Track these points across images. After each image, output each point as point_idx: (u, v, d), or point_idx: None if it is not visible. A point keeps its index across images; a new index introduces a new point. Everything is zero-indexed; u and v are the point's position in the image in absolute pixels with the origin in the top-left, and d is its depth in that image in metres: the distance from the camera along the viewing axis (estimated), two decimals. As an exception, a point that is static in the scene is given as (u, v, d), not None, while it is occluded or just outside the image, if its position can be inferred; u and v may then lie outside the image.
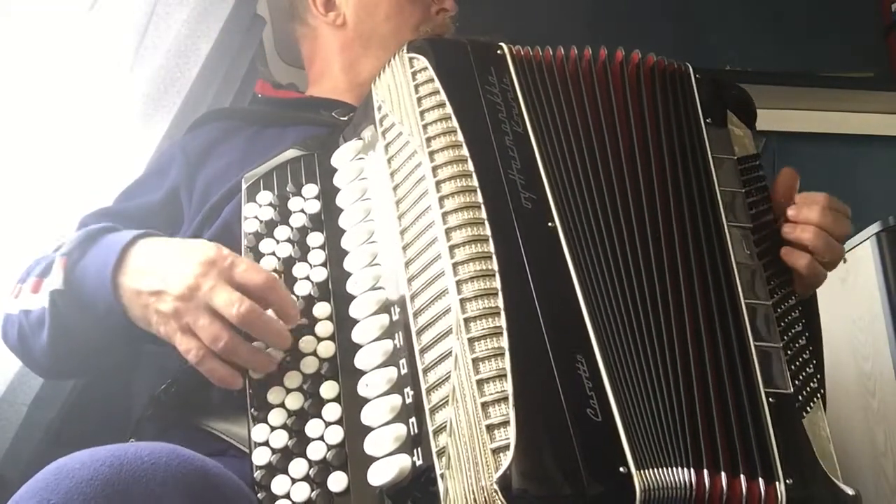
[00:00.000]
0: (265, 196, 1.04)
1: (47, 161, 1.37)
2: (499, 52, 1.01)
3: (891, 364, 1.70)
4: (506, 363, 0.80)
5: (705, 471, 0.82)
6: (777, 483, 0.83)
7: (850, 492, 0.86)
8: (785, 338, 0.94)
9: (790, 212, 1.02)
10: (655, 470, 0.80)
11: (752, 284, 0.95)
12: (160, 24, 1.49)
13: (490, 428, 0.78)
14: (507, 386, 0.79)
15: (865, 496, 1.69)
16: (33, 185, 1.36)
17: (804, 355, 0.94)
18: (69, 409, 1.41)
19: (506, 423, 0.77)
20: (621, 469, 0.78)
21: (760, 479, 0.82)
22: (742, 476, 0.83)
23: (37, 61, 1.36)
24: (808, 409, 0.90)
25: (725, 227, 0.97)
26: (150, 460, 0.77)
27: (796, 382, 0.91)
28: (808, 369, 0.94)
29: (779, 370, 0.90)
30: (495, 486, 0.75)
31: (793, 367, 0.92)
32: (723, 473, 0.82)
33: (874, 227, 1.74)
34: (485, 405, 0.79)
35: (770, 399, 0.88)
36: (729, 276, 0.94)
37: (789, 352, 0.93)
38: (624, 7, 2.43)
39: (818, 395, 0.93)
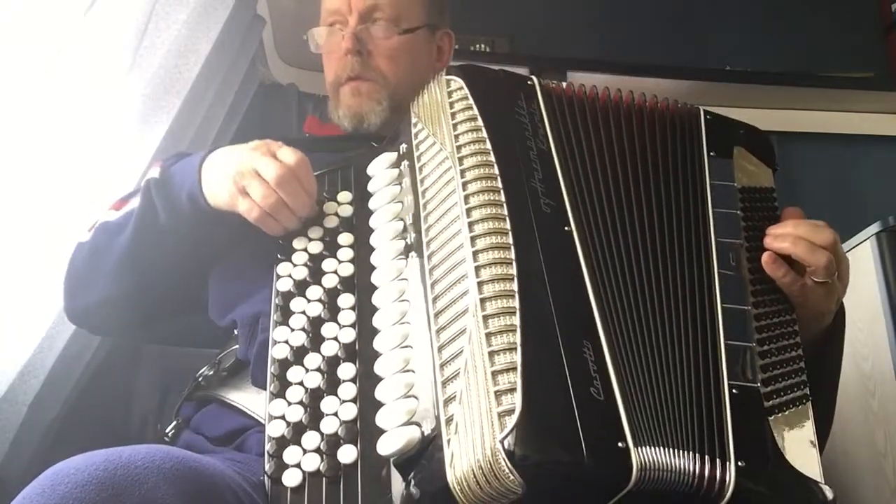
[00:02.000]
0: None
1: (47, 162, 1.37)
2: (529, 83, 1.10)
3: (891, 364, 1.70)
4: (517, 338, 0.85)
5: (706, 455, 0.88)
6: (728, 462, 0.88)
7: (829, 494, 0.90)
8: (768, 344, 1.00)
9: (768, 229, 1.09)
10: (653, 448, 0.85)
11: (734, 291, 1.02)
12: (160, 24, 1.49)
13: (498, 394, 0.82)
14: (517, 358, 0.84)
15: (865, 496, 1.70)
16: (33, 185, 1.36)
17: (791, 364, 1.01)
18: (69, 409, 1.41)
19: (513, 390, 0.82)
20: (620, 444, 0.82)
21: (717, 460, 0.88)
22: (707, 457, 0.88)
23: (36, 62, 1.36)
24: (785, 409, 0.96)
25: (713, 240, 1.05)
26: (143, 464, 0.79)
27: (776, 383, 0.97)
28: (793, 376, 1.00)
29: (747, 366, 0.97)
30: (499, 446, 0.79)
31: (774, 369, 0.99)
32: (699, 455, 0.88)
33: (874, 227, 1.74)
34: (494, 374, 0.83)
35: (733, 390, 0.94)
36: (710, 281, 1.02)
37: (771, 356, 1.00)
38: (625, 7, 2.43)
39: (803, 400, 0.98)
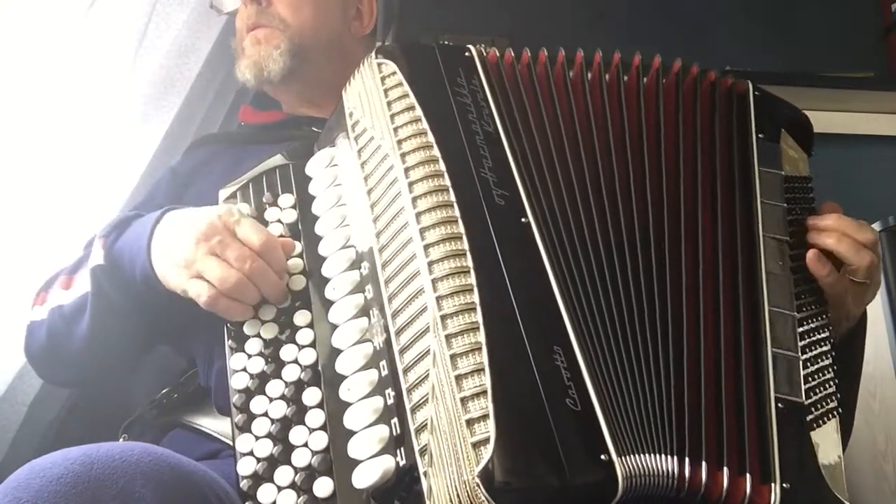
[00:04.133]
0: (242, 208, 1.03)
1: (48, 162, 1.37)
2: (466, 54, 1.01)
3: (891, 364, 1.70)
4: (483, 358, 0.80)
5: (686, 459, 0.83)
6: (773, 484, 0.84)
7: None
8: (808, 351, 0.95)
9: (810, 221, 1.03)
10: (637, 456, 0.81)
11: (780, 293, 0.96)
12: (160, 24, 1.49)
13: (470, 422, 0.78)
14: (486, 380, 0.79)
15: (865, 497, 1.70)
16: (34, 185, 1.36)
17: (825, 373, 0.96)
18: (69, 409, 1.42)
19: (485, 417, 0.77)
20: (602, 457, 0.78)
21: (748, 475, 0.84)
22: (726, 469, 0.84)
23: (36, 62, 1.36)
24: (820, 423, 0.91)
25: (760, 235, 0.98)
26: (121, 458, 0.78)
27: (813, 395, 0.92)
28: (826, 387, 0.95)
29: (793, 378, 0.92)
30: (477, 480, 0.75)
31: (811, 380, 0.93)
32: (704, 464, 0.83)
33: (874, 227, 1.74)
34: (464, 400, 0.79)
35: (779, 404, 0.89)
36: (755, 280, 0.95)
37: (809, 365, 0.94)
38: (624, 6, 2.43)
39: (833, 413, 0.93)
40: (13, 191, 1.34)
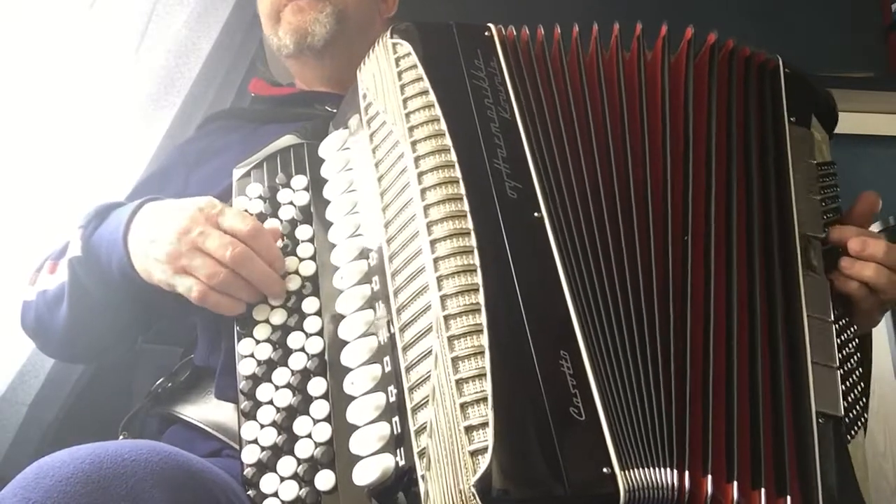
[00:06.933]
0: (255, 189, 1.03)
1: (49, 161, 1.37)
2: (486, 34, 0.97)
3: (891, 364, 1.70)
4: (486, 362, 0.77)
5: (691, 472, 0.79)
6: None
7: None
8: (839, 356, 0.90)
9: (854, 246, 0.96)
10: (639, 470, 0.77)
11: (817, 298, 0.90)
12: (160, 23, 1.49)
13: (468, 430, 0.75)
14: (487, 386, 0.76)
15: (865, 496, 1.69)
16: (35, 184, 1.36)
17: (852, 378, 0.91)
18: (69, 409, 1.42)
19: (484, 425, 0.75)
20: (605, 469, 0.75)
21: (788, 497, 0.80)
22: (763, 490, 0.79)
23: (37, 61, 1.36)
24: (852, 435, 0.88)
25: (797, 234, 0.92)
26: (130, 457, 0.77)
27: (846, 407, 0.87)
28: (856, 393, 0.91)
29: (832, 391, 0.86)
30: (473, 490, 0.73)
31: (848, 391, 0.89)
32: (709, 477, 0.79)
33: (875, 227, 1.73)
34: (463, 406, 0.76)
35: (819, 420, 0.84)
36: (793, 284, 0.89)
37: (844, 373, 0.89)
38: (624, 7, 2.43)
39: (862, 421, 0.90)
40: (13, 189, 1.34)
